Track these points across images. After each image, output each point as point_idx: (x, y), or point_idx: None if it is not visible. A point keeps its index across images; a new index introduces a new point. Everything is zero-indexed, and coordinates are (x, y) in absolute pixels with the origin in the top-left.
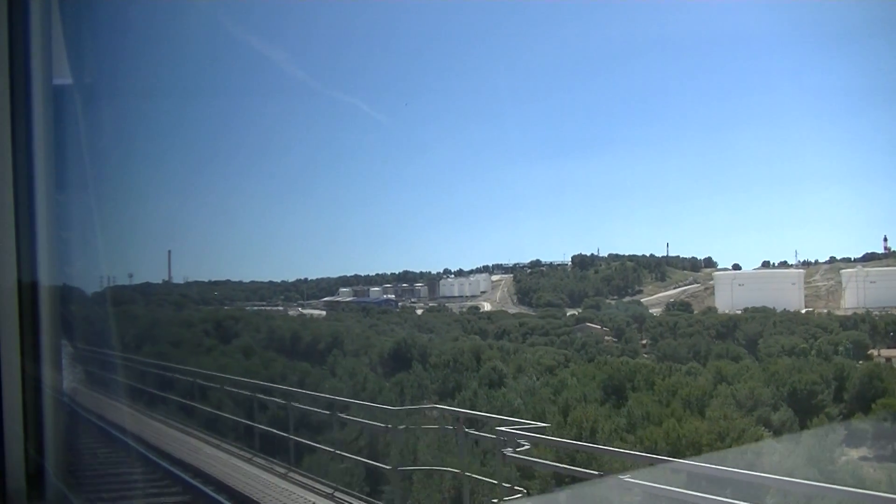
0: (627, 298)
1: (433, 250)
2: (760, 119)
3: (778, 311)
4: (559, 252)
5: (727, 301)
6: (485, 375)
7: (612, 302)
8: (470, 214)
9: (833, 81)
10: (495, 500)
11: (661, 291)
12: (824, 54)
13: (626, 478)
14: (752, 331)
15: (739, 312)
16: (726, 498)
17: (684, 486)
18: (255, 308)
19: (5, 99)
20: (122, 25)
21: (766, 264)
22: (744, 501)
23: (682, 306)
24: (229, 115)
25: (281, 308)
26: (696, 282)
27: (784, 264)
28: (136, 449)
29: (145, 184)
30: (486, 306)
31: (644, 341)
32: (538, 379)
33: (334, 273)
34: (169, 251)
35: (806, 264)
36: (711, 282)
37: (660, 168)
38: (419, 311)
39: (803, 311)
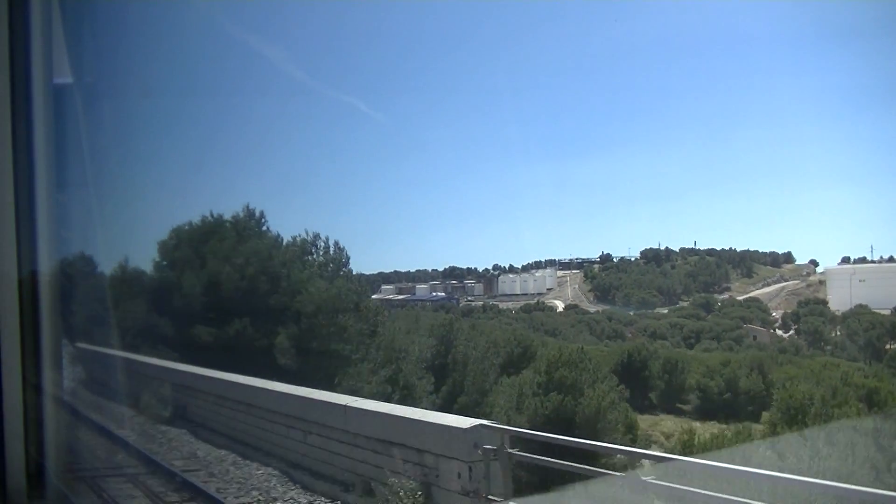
0: (727, 296)
1: (472, 246)
2: (826, 111)
3: None
4: (623, 246)
5: (844, 298)
6: None
7: (722, 299)
8: (507, 210)
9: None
10: (499, 499)
11: (752, 288)
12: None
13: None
14: None
15: (888, 312)
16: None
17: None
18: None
19: (6, 98)
20: (122, 25)
21: (845, 259)
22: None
23: (816, 302)
24: (229, 113)
25: None
26: (783, 278)
27: (863, 260)
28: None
29: (145, 182)
30: (559, 305)
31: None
32: None
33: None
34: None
35: (892, 260)
36: (812, 277)
37: (713, 163)
38: (513, 311)
39: None
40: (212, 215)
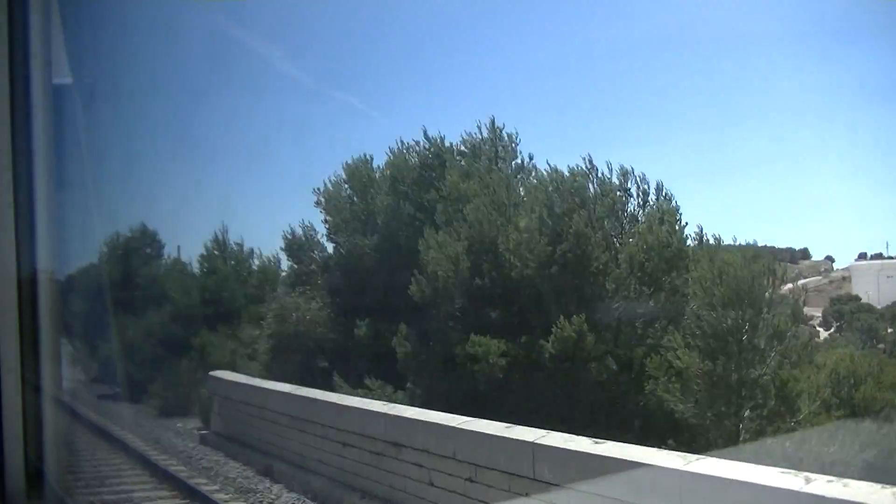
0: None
1: None
2: (830, 109)
3: None
4: None
5: (873, 295)
6: None
7: None
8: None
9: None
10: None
11: None
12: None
13: None
14: None
15: None
16: None
17: None
18: None
19: (5, 99)
20: (122, 25)
21: (862, 255)
22: None
23: (849, 299)
24: (229, 113)
25: None
26: (802, 274)
27: (879, 256)
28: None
29: (145, 182)
30: None
31: None
32: None
33: None
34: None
35: None
36: (834, 273)
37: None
38: None
39: None
40: (426, 138)
